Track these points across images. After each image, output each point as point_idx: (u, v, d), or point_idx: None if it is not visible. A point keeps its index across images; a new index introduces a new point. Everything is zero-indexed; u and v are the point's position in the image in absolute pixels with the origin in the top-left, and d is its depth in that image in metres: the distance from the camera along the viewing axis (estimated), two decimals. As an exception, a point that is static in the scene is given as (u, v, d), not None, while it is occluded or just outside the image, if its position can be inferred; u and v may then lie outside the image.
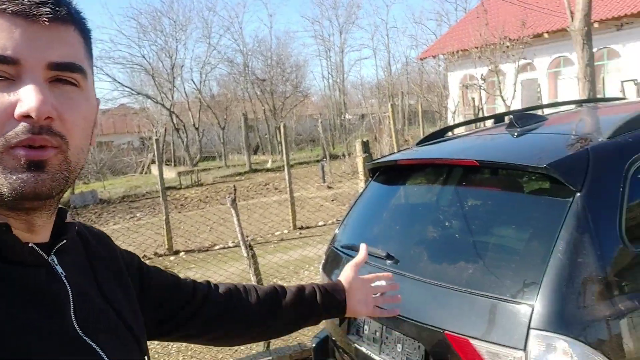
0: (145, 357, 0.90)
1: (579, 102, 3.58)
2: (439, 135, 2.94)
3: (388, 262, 2.24)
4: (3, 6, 0.68)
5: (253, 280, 4.49)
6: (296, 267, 7.04)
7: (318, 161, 18.06)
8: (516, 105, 14.46)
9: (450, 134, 3.14)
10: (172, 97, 24.76)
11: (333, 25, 60.39)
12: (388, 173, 2.76)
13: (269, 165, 21.45)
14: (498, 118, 3.24)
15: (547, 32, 17.48)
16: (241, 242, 4.49)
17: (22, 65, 0.68)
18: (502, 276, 1.85)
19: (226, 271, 6.49)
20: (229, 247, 8.99)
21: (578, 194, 1.78)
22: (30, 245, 0.72)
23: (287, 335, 4.85)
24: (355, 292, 1.39)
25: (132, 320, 0.88)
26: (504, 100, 12.89)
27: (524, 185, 2.05)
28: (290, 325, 1.30)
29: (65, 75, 0.72)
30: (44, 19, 0.69)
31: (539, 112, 3.20)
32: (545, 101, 17.36)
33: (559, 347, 1.61)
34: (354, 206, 2.89)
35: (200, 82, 28.50)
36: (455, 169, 2.33)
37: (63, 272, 0.75)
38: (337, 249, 2.73)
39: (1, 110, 0.67)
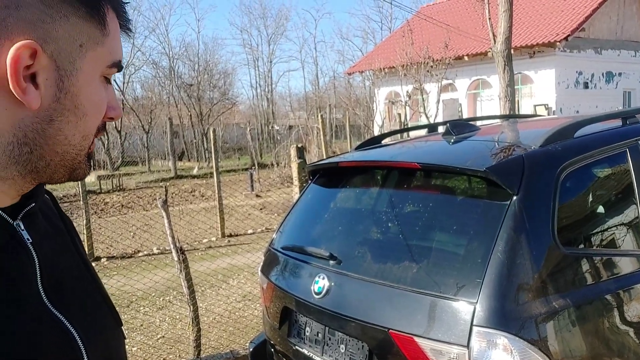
0: (122, 328, 0.87)
1: (503, 117, 3.84)
2: (376, 141, 3.05)
3: (331, 262, 2.28)
4: (125, 22, 0.76)
5: (184, 286, 4.39)
6: (225, 275, 6.95)
7: (246, 169, 17.94)
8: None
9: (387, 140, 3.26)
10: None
11: (262, 35, 60.34)
12: (328, 175, 2.81)
13: (195, 172, 21.02)
14: (431, 128, 3.42)
15: (467, 54, 18.46)
16: (172, 246, 4.39)
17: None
18: (445, 275, 1.95)
19: (150, 280, 6.28)
20: (154, 254, 8.72)
21: (515, 197, 1.91)
22: None
23: (218, 343, 4.75)
24: None
25: (104, 288, 0.86)
26: (427, 118, 13.45)
27: (463, 187, 2.16)
28: None
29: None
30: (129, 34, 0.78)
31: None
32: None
33: (499, 343, 1.72)
34: (293, 208, 2.92)
35: (124, 83, 27.52)
36: (396, 172, 2.42)
37: (29, 238, 0.71)
38: (276, 250, 2.74)
39: (104, 108, 0.74)
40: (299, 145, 4.89)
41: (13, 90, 0.63)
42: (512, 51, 16.81)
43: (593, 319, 1.91)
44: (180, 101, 28.20)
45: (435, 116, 13.86)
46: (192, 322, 4.40)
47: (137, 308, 6.15)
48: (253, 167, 17.08)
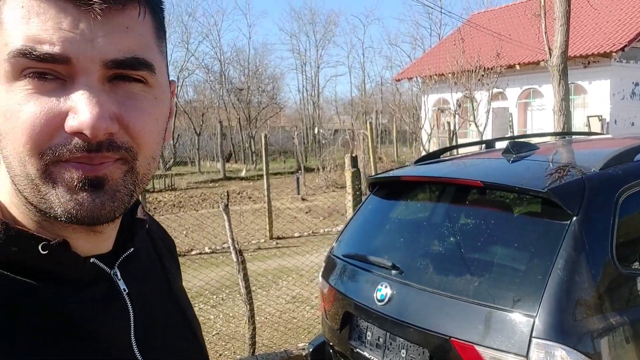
0: None
1: (559, 134, 3.90)
2: (435, 156, 3.18)
3: (393, 272, 2.44)
4: None
5: (241, 286, 4.63)
6: (274, 276, 7.18)
7: (292, 173, 18.24)
8: (488, 132, 15.01)
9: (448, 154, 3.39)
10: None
11: (310, 41, 60.96)
12: (388, 188, 2.97)
13: (243, 174, 21.50)
14: (488, 145, 3.52)
15: (519, 63, 18.21)
16: (231, 248, 4.64)
17: (74, 65, 0.55)
18: (505, 289, 2.08)
19: (203, 278, 6.58)
20: (206, 253, 9.05)
21: (575, 218, 2.03)
22: (92, 260, 0.63)
23: (270, 342, 4.96)
24: None
25: (197, 325, 0.83)
26: (477, 127, 13.38)
27: (523, 207, 2.29)
28: None
29: (129, 72, 0.59)
30: (97, 9, 0.55)
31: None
32: (515, 130, 18.02)
33: (557, 354, 1.84)
34: (353, 217, 3.09)
35: (177, 87, 28.31)
36: (456, 188, 2.56)
37: (126, 289, 0.67)
38: (337, 257, 2.91)
39: (49, 119, 0.54)
40: (353, 155, 5.05)
41: None
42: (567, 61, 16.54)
43: (649, 337, 2.00)
44: (229, 104, 28.89)
45: (485, 125, 13.77)
46: (249, 321, 4.62)
47: (193, 305, 6.44)
48: (299, 171, 17.35)
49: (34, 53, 0.53)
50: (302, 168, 18.24)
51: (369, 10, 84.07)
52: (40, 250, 0.58)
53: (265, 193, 10.55)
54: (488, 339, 1.99)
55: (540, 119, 17.88)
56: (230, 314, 6.01)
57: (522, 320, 1.93)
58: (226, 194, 4.63)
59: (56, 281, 0.60)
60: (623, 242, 2.12)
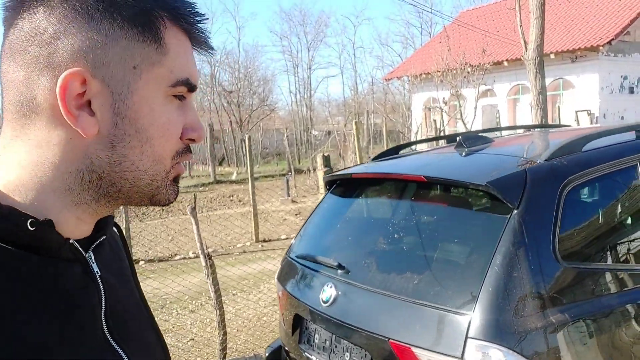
0: None
1: (529, 127, 3.82)
2: (394, 152, 3.10)
3: (339, 271, 2.36)
4: (193, 34, 0.73)
5: (211, 291, 4.53)
6: (257, 279, 7.09)
7: (283, 175, 18.14)
8: (476, 129, 14.92)
9: (410, 149, 3.31)
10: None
11: (301, 42, 60.85)
12: (344, 185, 2.88)
13: (233, 177, 21.40)
14: (451, 138, 3.44)
15: (507, 60, 18.16)
16: (200, 252, 4.54)
17: (194, 93, 0.74)
18: (444, 287, 1.99)
19: (188, 282, 6.49)
20: (190, 258, 8.95)
21: (515, 211, 1.94)
22: (71, 241, 0.69)
23: (245, 347, 4.86)
24: None
25: (155, 321, 0.88)
26: (464, 124, 13.31)
27: (467, 201, 2.20)
28: None
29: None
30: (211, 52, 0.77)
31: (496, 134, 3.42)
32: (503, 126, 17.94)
33: (494, 356, 1.75)
34: (310, 217, 3.00)
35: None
36: (406, 184, 2.48)
37: (99, 272, 0.73)
38: (292, 258, 2.83)
39: (179, 129, 0.72)
40: (325, 154, 4.97)
41: (66, 119, 0.64)
42: (552, 56, 16.49)
43: (592, 335, 1.91)
44: (220, 107, 28.79)
45: (472, 122, 13.69)
46: (219, 326, 4.53)
47: (170, 311, 6.34)
48: (289, 173, 17.26)
49: (191, 85, 0.72)
50: (293, 170, 18.14)
51: (359, 10, 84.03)
52: (28, 226, 0.64)
53: (251, 196, 10.46)
54: (425, 340, 1.90)
55: (529, 115, 17.82)
56: (208, 320, 5.91)
57: (458, 320, 1.84)
58: (193, 197, 4.54)
59: (40, 255, 0.66)
60: (567, 235, 2.03)
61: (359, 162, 10.68)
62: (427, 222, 2.30)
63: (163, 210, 14.94)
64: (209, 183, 20.37)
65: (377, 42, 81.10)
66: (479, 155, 2.49)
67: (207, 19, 0.76)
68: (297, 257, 2.78)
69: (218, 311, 4.53)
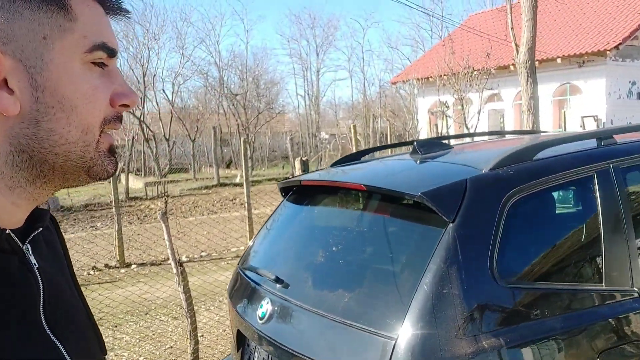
0: (106, 357, 0.89)
1: (495, 134, 3.66)
2: (354, 158, 2.96)
3: (278, 286, 2.22)
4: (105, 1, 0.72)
5: (182, 299, 4.43)
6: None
7: (287, 179, 18.06)
8: (479, 133, 14.71)
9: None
10: (143, 107, 24.52)
11: (310, 45, 60.82)
12: (297, 193, 2.73)
13: (237, 180, 21.34)
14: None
15: (513, 64, 17.93)
16: (171, 259, 4.43)
17: (115, 58, 0.72)
18: (373, 307, 1.85)
19: (171, 289, 6.38)
20: (182, 262, 8.87)
21: (450, 225, 1.79)
22: (7, 232, 0.68)
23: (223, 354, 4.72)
24: None
25: (93, 319, 0.87)
26: (467, 129, 13.12)
27: (407, 213, 2.05)
28: None
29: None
30: (128, 16, 0.76)
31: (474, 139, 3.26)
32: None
33: (415, 383, 1.61)
34: (263, 226, 2.87)
35: (173, 93, 28.36)
36: (351, 193, 2.34)
37: (36, 264, 0.72)
38: (240, 270, 2.70)
39: (106, 95, 0.70)
40: (304, 159, 4.84)
41: None
42: (559, 61, 16.21)
43: (529, 360, 1.76)
44: (228, 110, 28.79)
45: (476, 127, 13.49)
46: (190, 335, 4.42)
47: (155, 316, 6.25)
48: (292, 176, 17.15)
49: (109, 48, 0.70)
50: (294, 173, 18.04)
51: (368, 13, 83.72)
52: None
53: (246, 200, 10.37)
54: (349, 364, 1.76)
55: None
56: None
57: (382, 344, 1.70)
58: (165, 202, 4.44)
59: None
60: (508, 252, 1.88)
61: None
62: (366, 235, 2.16)
63: (164, 213, 14.89)
64: (213, 186, 20.33)
65: (387, 45, 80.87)
66: (429, 164, 2.35)
67: None
68: (242, 268, 2.65)
69: (189, 320, 4.43)
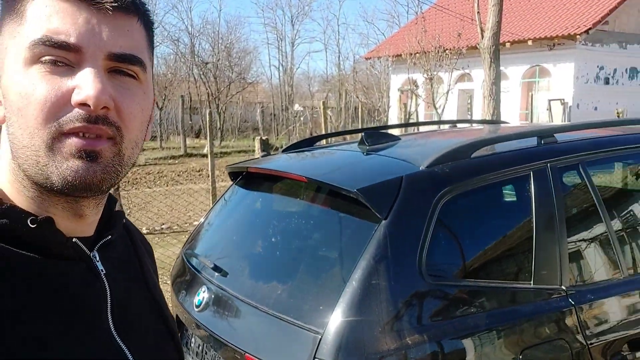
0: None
1: (448, 123, 3.67)
2: (307, 144, 2.93)
3: (216, 274, 2.21)
4: None
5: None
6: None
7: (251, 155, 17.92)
8: (447, 114, 14.81)
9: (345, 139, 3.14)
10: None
11: (285, 15, 59.77)
12: (246, 178, 2.69)
13: (205, 151, 21.10)
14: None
15: (486, 44, 18.00)
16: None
17: (83, 53, 0.67)
18: (304, 300, 1.85)
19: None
20: (156, 232, 8.81)
21: (383, 222, 1.80)
22: (74, 240, 0.71)
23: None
24: None
25: (172, 319, 0.89)
26: (435, 109, 13.19)
27: (345, 207, 2.04)
28: None
29: (125, 67, 0.70)
30: (108, 7, 0.68)
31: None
32: (477, 113, 17.86)
33: (337, 379, 1.63)
34: (210, 210, 2.84)
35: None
36: (294, 183, 2.32)
37: (103, 270, 0.74)
38: (184, 255, 2.67)
39: (58, 95, 0.65)
40: (263, 138, 4.78)
41: None
42: (530, 43, 16.32)
43: (450, 358, 1.80)
44: (198, 79, 28.27)
45: (444, 107, 13.57)
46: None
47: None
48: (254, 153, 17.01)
49: (52, 40, 0.65)
50: (261, 146, 17.89)
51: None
52: (29, 224, 0.66)
53: (210, 172, 10.26)
54: (275, 357, 1.77)
55: (504, 101, 17.73)
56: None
57: (308, 338, 1.71)
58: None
59: (43, 255, 0.67)
60: (438, 250, 1.89)
61: (324, 142, 10.51)
62: (305, 227, 2.16)
63: (128, 182, 14.65)
64: (180, 156, 20.07)
65: (363, 19, 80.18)
66: (372, 157, 2.34)
67: None
68: (185, 253, 2.63)
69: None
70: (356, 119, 26.34)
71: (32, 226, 0.66)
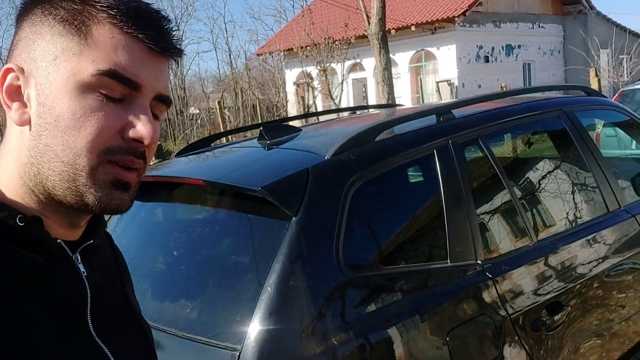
0: None
1: (350, 110, 3.64)
2: (204, 144, 2.74)
3: None
4: (139, 34, 0.71)
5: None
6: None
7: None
8: (344, 103, 15.03)
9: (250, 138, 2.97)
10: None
11: (170, 16, 57.68)
12: (143, 187, 2.47)
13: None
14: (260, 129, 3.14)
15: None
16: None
17: (141, 92, 0.72)
18: (217, 316, 1.69)
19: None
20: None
21: (294, 219, 1.68)
22: (58, 241, 0.74)
23: None
24: None
25: (146, 323, 0.93)
26: (333, 100, 13.32)
27: (251, 208, 1.90)
28: None
29: (160, 107, 0.77)
30: (169, 55, 0.75)
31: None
32: (372, 100, 18.33)
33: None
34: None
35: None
36: (192, 189, 2.14)
37: (84, 272, 0.77)
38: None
39: (116, 127, 0.70)
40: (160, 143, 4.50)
41: (5, 109, 0.71)
42: (413, 28, 17.00)
43: (380, 351, 1.72)
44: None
45: (340, 97, 13.73)
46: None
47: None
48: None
49: (118, 75, 0.70)
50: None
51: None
52: (17, 222, 0.69)
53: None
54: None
55: (396, 87, 18.33)
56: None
57: (226, 357, 1.56)
58: None
59: (30, 252, 0.70)
60: (354, 240, 1.81)
61: (224, 141, 10.23)
62: (210, 235, 1.99)
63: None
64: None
65: (250, 16, 79.73)
66: (275, 151, 2.21)
67: (165, 25, 0.76)
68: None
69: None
70: (255, 117, 26.12)
71: (21, 224, 0.69)
